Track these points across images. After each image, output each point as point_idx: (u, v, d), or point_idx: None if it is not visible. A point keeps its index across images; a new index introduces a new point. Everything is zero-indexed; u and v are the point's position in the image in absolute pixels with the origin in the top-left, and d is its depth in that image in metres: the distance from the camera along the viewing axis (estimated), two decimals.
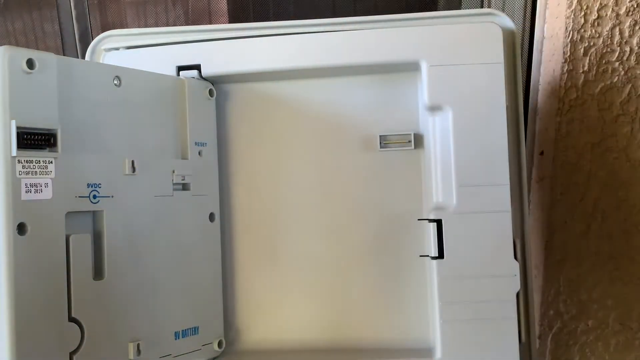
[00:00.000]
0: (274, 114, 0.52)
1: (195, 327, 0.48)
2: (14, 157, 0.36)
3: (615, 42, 0.57)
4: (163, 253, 0.46)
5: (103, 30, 0.54)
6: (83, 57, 0.50)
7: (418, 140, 0.50)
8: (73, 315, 0.39)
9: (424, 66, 0.47)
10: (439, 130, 0.47)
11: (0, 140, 0.36)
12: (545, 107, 0.60)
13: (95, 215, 0.41)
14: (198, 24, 0.62)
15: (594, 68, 0.58)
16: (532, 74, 0.62)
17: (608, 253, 0.58)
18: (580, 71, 0.58)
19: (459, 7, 0.72)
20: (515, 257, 0.46)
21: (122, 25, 0.83)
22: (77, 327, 0.39)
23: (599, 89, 0.58)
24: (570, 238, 0.59)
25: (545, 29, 0.60)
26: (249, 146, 0.52)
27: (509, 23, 0.48)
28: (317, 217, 0.51)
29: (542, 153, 0.60)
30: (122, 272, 0.42)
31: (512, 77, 0.49)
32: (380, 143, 0.50)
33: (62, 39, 0.83)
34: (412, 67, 0.48)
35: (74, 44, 0.83)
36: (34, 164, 0.37)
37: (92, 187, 0.41)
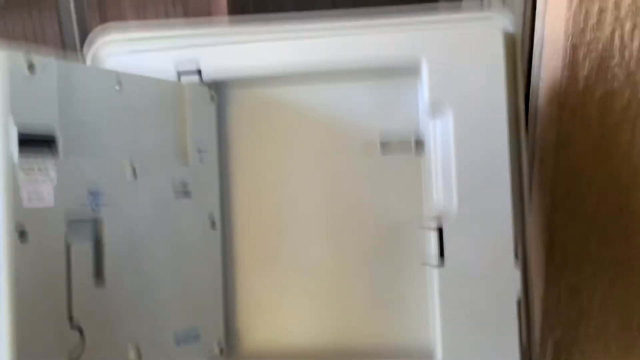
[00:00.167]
0: (275, 119, 0.52)
1: (195, 332, 0.48)
2: (16, 164, 0.36)
3: (615, 47, 0.57)
4: (163, 259, 0.46)
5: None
6: (83, 58, 0.50)
7: (419, 146, 0.50)
8: (74, 322, 0.39)
9: (424, 69, 0.47)
10: (439, 135, 0.47)
11: (0, 145, 0.36)
12: (546, 112, 0.60)
13: (96, 222, 0.41)
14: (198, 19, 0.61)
15: (594, 73, 0.58)
16: (532, 78, 0.62)
17: (609, 258, 0.58)
18: (580, 76, 0.58)
19: (460, 0, 0.72)
20: (516, 262, 0.46)
21: None
22: (78, 334, 0.39)
23: (599, 94, 0.58)
24: (571, 243, 0.59)
25: (544, 34, 0.60)
26: (250, 151, 0.52)
27: (510, 26, 0.48)
28: (318, 222, 0.51)
29: (542, 158, 0.60)
30: (122, 278, 0.42)
31: (513, 80, 0.49)
32: (381, 148, 0.50)
33: (62, 39, 0.83)
34: (412, 71, 0.48)
35: (74, 44, 0.83)
36: (36, 170, 0.37)
37: (93, 194, 0.41)
